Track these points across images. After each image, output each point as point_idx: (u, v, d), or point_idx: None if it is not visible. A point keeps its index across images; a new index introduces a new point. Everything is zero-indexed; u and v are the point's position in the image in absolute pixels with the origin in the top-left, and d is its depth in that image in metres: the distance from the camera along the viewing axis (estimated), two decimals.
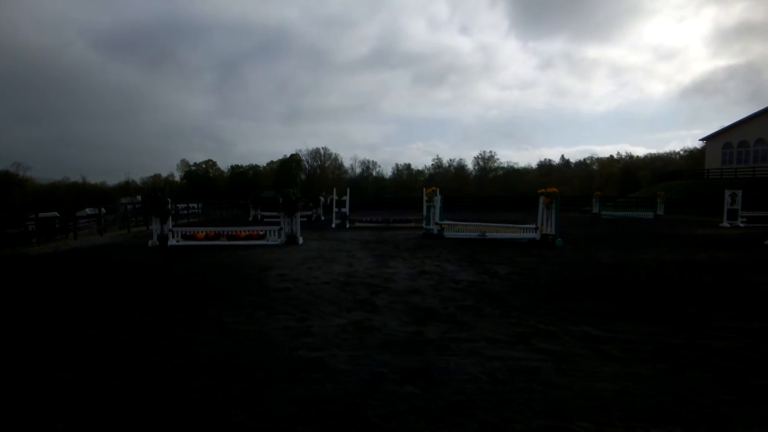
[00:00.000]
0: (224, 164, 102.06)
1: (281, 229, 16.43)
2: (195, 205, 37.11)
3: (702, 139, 64.77)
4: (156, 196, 16.61)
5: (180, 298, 8.09)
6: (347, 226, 24.11)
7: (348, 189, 26.85)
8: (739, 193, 26.23)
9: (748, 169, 54.35)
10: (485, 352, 5.15)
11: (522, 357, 5.02)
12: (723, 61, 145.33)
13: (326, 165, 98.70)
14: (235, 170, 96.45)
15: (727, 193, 26.35)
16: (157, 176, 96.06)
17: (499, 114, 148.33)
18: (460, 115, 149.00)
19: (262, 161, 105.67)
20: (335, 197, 25.59)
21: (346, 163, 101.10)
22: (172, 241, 16.19)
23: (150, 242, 16.29)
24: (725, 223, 25.27)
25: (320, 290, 8.59)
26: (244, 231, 16.79)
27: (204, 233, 16.60)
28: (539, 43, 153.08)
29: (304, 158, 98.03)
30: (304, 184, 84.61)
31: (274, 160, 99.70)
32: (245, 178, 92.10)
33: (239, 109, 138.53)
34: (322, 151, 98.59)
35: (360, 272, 10.45)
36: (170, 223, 16.75)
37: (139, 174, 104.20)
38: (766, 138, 54.92)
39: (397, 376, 4.55)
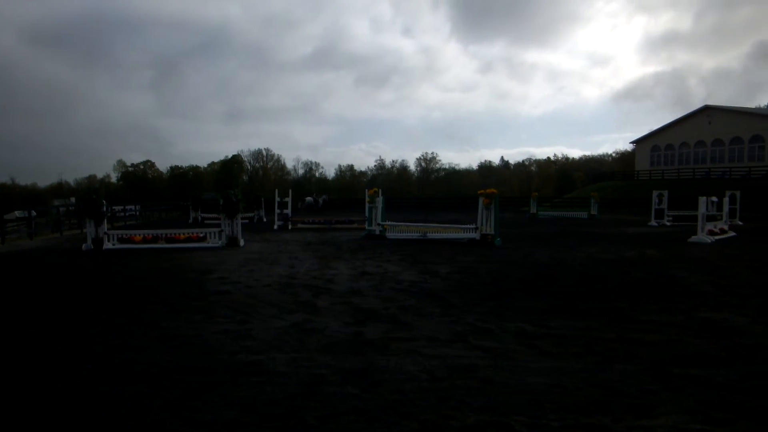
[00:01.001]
0: (163, 165, 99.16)
1: (222, 231, 16.10)
2: (132, 207, 35.85)
3: (632, 142, 67.91)
4: (90, 197, 15.97)
5: (115, 304, 7.81)
6: (289, 227, 23.89)
7: (290, 190, 26.58)
8: (666, 193, 27.60)
9: (673, 170, 57.29)
10: (424, 351, 5.22)
11: (460, 355, 5.11)
12: (651, 68, 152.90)
13: (269, 166, 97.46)
14: (175, 171, 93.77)
15: (655, 193, 27.67)
16: (92, 177, 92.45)
17: (441, 116, 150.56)
18: (402, 116, 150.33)
19: (202, 162, 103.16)
20: (277, 198, 25.31)
21: (289, 164, 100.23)
22: (107, 245, 15.59)
23: (84, 246, 15.63)
24: (653, 222, 26.53)
25: (261, 293, 8.48)
26: (184, 233, 16.36)
27: (141, 236, 16.06)
28: (480, 47, 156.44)
29: (246, 159, 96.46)
30: (246, 185, 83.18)
31: (216, 160, 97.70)
32: (185, 179, 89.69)
33: (178, 108, 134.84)
34: (264, 152, 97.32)
35: (302, 274, 10.38)
36: (105, 225, 16.13)
37: (72, 175, 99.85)
38: (689, 141, 58.04)
39: (337, 377, 4.54)
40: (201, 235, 16.21)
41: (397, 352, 5.20)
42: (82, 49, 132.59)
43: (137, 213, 35.36)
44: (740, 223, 26.01)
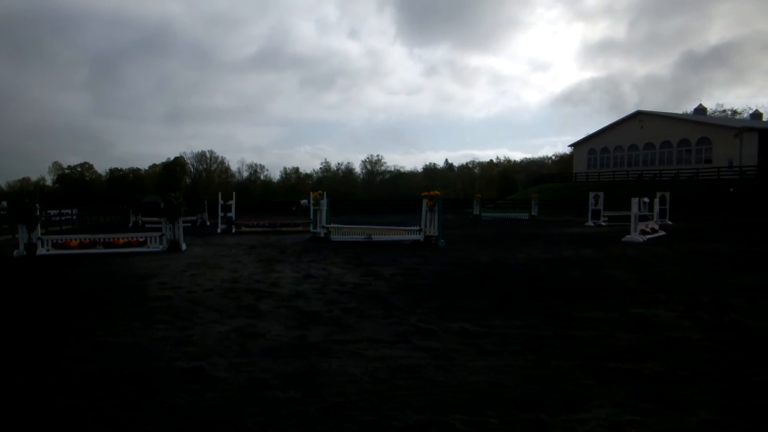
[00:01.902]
0: (102, 167, 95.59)
1: (163, 235, 15.65)
2: (69, 211, 34.30)
3: (570, 146, 70.23)
4: (22, 201, 15.17)
5: (48, 311, 7.45)
6: (233, 231, 23.48)
7: (234, 193, 26.12)
8: (601, 195, 28.69)
9: (609, 172, 59.59)
10: (367, 353, 5.23)
11: (403, 355, 5.15)
12: (588, 74, 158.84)
13: (212, 168, 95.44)
14: (114, 174, 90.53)
15: (591, 195, 28.72)
16: (25, 180, 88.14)
17: (386, 118, 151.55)
18: (348, 118, 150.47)
19: (143, 164, 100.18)
20: (221, 201, 24.83)
21: (233, 167, 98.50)
22: (41, 251, 14.87)
23: (16, 252, 14.85)
24: (590, 223, 27.53)
25: (203, 297, 8.29)
26: (123, 238, 15.80)
27: (78, 241, 15.42)
28: (425, 50, 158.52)
29: (189, 161, 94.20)
30: (189, 188, 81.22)
31: (157, 163, 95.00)
32: (126, 182, 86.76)
33: (118, 108, 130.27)
34: (208, 154, 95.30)
35: (245, 278, 10.21)
36: (39, 230, 15.38)
37: (4, 178, 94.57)
38: (623, 145, 60.50)
39: (279, 381, 4.49)
40: (141, 239, 15.71)
41: (340, 355, 5.19)
42: (13, 45, 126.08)
43: (74, 217, 33.89)
44: (670, 222, 27.34)
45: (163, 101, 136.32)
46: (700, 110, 63.84)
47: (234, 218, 24.37)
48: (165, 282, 9.82)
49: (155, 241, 15.63)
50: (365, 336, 5.88)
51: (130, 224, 29.09)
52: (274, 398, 4.12)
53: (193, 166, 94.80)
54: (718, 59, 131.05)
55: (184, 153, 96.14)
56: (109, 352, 5.42)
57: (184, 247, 15.81)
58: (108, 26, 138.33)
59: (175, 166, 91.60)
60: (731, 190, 42.20)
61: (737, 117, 74.91)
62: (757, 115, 67.35)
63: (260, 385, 4.41)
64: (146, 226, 27.29)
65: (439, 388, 4.29)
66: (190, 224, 27.18)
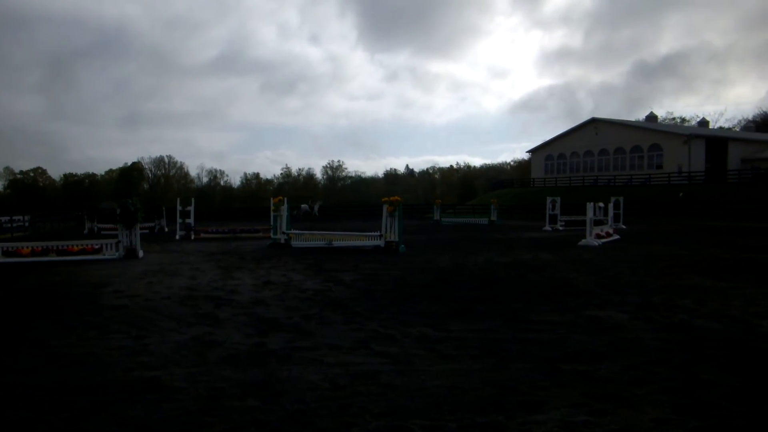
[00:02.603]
0: (56, 172, 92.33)
1: (119, 242, 15.23)
2: (21, 218, 33.00)
3: (528, 151, 71.58)
4: None
5: None
6: (192, 237, 23.06)
7: (193, 199, 25.66)
8: (558, 200, 29.29)
9: (565, 178, 60.95)
10: (327, 359, 5.20)
11: (362, 361, 5.14)
12: (546, 81, 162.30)
13: (171, 174, 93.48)
14: (69, 179, 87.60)
15: (549, 200, 29.29)
16: None
17: (347, 124, 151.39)
18: (309, 124, 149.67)
19: (99, 170, 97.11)
20: (179, 207, 24.37)
21: (192, 172, 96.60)
22: None
23: None
24: (547, 227, 28.06)
25: (160, 306, 8.09)
26: (78, 245, 15.29)
27: (30, 248, 14.85)
28: (386, 56, 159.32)
29: (147, 167, 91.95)
30: (146, 194, 79.42)
31: (114, 168, 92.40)
32: (81, 187, 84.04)
33: (72, 111, 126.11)
34: (166, 160, 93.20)
35: (203, 285, 10.03)
36: None
37: None
38: (579, 151, 62.01)
39: (238, 390, 4.42)
40: (96, 246, 15.25)
41: (300, 362, 5.14)
42: None
43: (26, 224, 32.63)
44: (623, 226, 28.12)
45: (120, 105, 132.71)
46: (651, 118, 66.06)
47: (193, 224, 23.92)
48: (121, 290, 9.56)
49: (111, 249, 15.20)
50: (325, 342, 5.85)
51: (86, 231, 28.21)
52: (233, 407, 4.06)
53: (151, 171, 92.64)
54: (668, 69, 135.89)
55: (142, 158, 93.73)
56: (62, 363, 5.25)
57: (141, 254, 15.43)
58: (62, 27, 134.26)
59: (133, 171, 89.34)
60: (681, 194, 43.75)
61: (686, 124, 77.83)
62: (704, 122, 70.14)
63: (218, 394, 4.34)
64: (102, 233, 26.55)
65: (399, 393, 4.30)
66: (147, 231, 26.57)
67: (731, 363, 5.04)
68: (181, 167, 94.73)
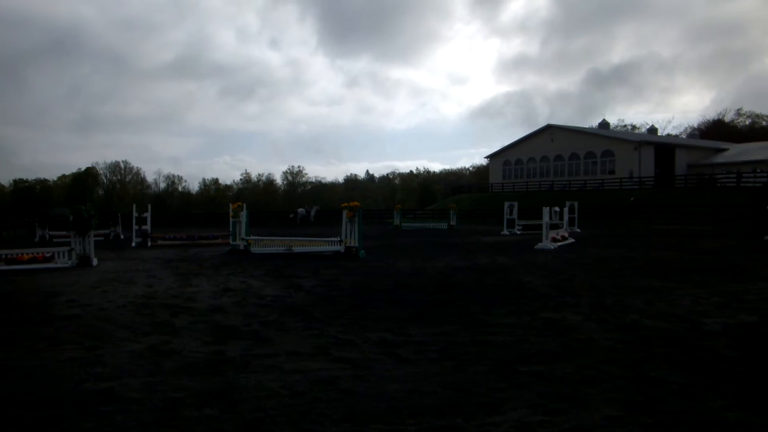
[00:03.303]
0: (5, 178, 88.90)
1: (72, 249, 14.74)
2: None
3: (486, 157, 72.68)
4: None
5: None
6: (149, 244, 22.54)
7: (150, 205, 25.10)
8: (516, 204, 29.87)
9: (522, 183, 62.13)
10: (286, 366, 5.17)
11: (322, 367, 5.13)
12: (504, 88, 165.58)
13: (127, 179, 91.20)
14: (19, 185, 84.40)
15: (507, 204, 29.84)
16: None
17: (307, 129, 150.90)
18: (269, 129, 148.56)
19: (52, 175, 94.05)
20: (135, 214, 23.81)
21: (149, 178, 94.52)
22: None
23: None
24: (505, 231, 28.56)
25: (114, 315, 7.87)
26: (28, 253, 14.71)
27: None
28: (346, 61, 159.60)
29: (101, 172, 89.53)
30: (101, 200, 77.27)
31: (67, 173, 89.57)
32: (32, 193, 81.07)
33: (22, 114, 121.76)
34: (122, 165, 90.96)
35: (160, 293, 9.81)
36: None
37: None
38: (535, 157, 63.31)
39: (195, 399, 4.34)
40: (48, 254, 14.72)
41: (258, 369, 5.09)
42: None
43: None
44: (578, 230, 28.86)
45: (72, 108, 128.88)
46: (604, 125, 68.05)
47: (149, 231, 23.39)
48: (74, 299, 9.26)
49: (63, 257, 14.71)
50: (284, 349, 5.81)
51: (37, 239, 27.20)
52: (189, 417, 3.99)
53: (106, 176, 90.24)
54: (620, 77, 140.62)
55: (97, 163, 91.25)
56: (11, 377, 5.05)
57: (95, 262, 14.98)
58: (10, 27, 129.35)
59: (87, 176, 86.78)
60: (632, 199, 45.18)
61: (636, 131, 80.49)
62: (653, 130, 72.73)
63: (174, 404, 4.26)
64: (54, 240, 25.65)
65: (358, 398, 4.31)
66: (102, 238, 25.85)
67: (678, 360, 5.24)
68: (138, 173, 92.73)
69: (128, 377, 4.95)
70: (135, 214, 23.92)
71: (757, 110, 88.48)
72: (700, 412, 3.94)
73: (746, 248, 18.08)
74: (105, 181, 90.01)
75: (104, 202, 74.61)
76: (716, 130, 79.90)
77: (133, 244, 22.60)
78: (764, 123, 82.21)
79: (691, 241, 21.89)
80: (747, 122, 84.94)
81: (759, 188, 41.11)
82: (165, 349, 5.90)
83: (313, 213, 45.90)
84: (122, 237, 27.93)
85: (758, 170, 47.01)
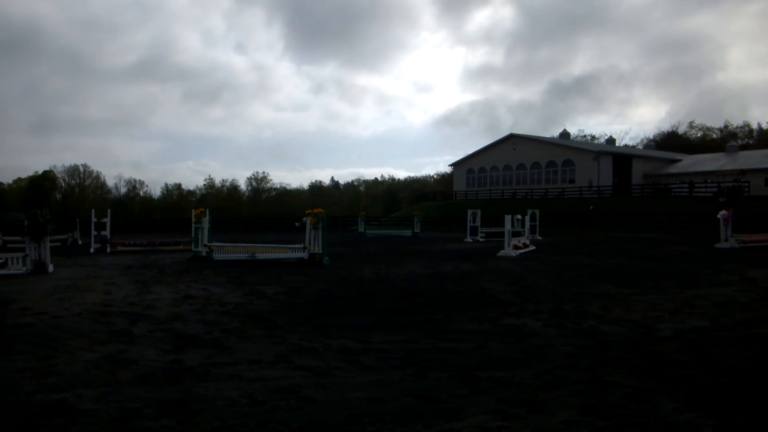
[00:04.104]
0: None
1: (26, 255, 14.26)
2: None
3: (450, 165, 73.38)
4: None
5: None
6: (108, 250, 21.98)
7: (109, 210, 24.48)
8: (479, 212, 30.22)
9: (486, 191, 62.91)
10: (246, 375, 5.11)
11: (283, 376, 5.09)
12: (468, 97, 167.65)
13: (86, 184, 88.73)
14: None
15: (470, 212, 30.16)
16: None
17: (272, 135, 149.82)
18: (233, 134, 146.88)
19: (6, 178, 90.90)
20: (94, 219, 23.20)
21: (110, 182, 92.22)
22: None
23: None
24: (468, 239, 28.85)
25: (70, 323, 7.64)
26: None
27: None
28: (312, 67, 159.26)
29: (59, 176, 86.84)
30: (59, 204, 75.04)
31: (23, 177, 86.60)
32: None
33: None
34: (81, 168, 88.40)
35: (118, 300, 9.57)
36: None
37: None
38: (498, 165, 64.25)
39: (152, 409, 4.25)
40: (0, 260, 14.22)
41: (218, 378, 5.02)
42: None
43: None
44: (539, 237, 29.38)
45: (29, 110, 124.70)
46: (565, 134, 69.58)
47: (109, 237, 22.81)
48: (27, 307, 8.95)
49: (17, 263, 14.22)
50: (245, 357, 5.75)
51: None
52: (146, 428, 3.91)
53: (64, 180, 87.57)
54: (580, 89, 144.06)
55: (54, 167, 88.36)
56: None
57: (51, 268, 14.52)
58: None
59: (44, 180, 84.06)
60: (591, 207, 46.26)
61: (595, 142, 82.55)
62: (611, 140, 74.75)
63: (131, 415, 4.16)
64: (8, 246, 24.76)
65: (319, 406, 4.29)
66: (59, 243, 25.10)
67: (633, 365, 5.39)
68: (98, 177, 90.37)
69: (83, 388, 4.81)
70: (94, 220, 23.31)
71: (708, 123, 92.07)
72: (653, 414, 4.06)
73: (698, 255, 18.73)
74: (63, 185, 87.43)
75: (62, 207, 72.55)
76: (670, 142, 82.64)
77: (92, 250, 22.03)
78: (714, 135, 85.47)
79: (647, 248, 22.55)
80: (699, 134, 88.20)
81: (710, 198, 42.66)
82: (122, 359, 5.77)
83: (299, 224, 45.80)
84: (80, 243, 27.17)
85: (709, 180, 48.79)
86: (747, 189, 44.24)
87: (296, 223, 41.70)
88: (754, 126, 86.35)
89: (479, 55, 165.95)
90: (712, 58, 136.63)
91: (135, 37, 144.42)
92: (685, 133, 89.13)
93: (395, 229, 41.10)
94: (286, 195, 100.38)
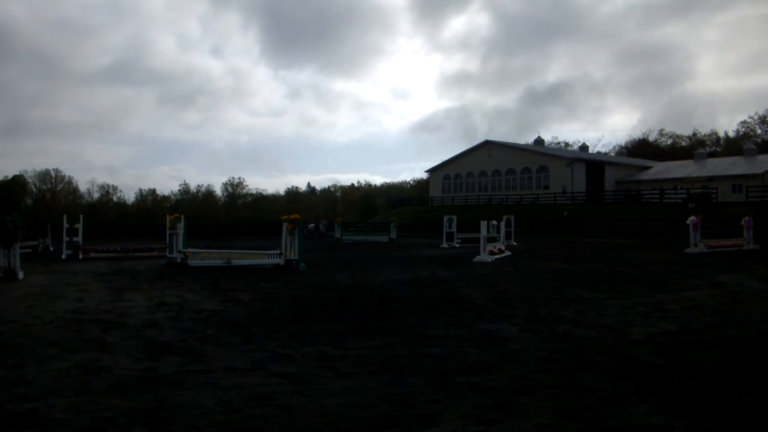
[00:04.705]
0: None
1: None
2: None
3: (427, 171, 73.77)
4: None
5: None
6: (80, 257, 21.57)
7: (82, 216, 24.03)
8: (455, 218, 30.39)
9: (462, 197, 63.35)
10: (222, 382, 5.06)
11: (259, 383, 5.05)
12: (444, 103, 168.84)
13: (58, 189, 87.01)
14: None
15: (446, 218, 30.32)
16: None
17: (249, 140, 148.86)
18: (209, 139, 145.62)
19: None
20: (66, 225, 22.76)
21: (82, 187, 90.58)
22: None
23: None
24: (444, 245, 28.98)
25: (41, 331, 7.47)
26: None
27: None
28: (289, 72, 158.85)
29: (30, 180, 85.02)
30: (30, 210, 73.43)
31: None
32: None
33: None
34: (53, 173, 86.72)
35: (91, 308, 9.40)
36: None
37: None
38: (474, 171, 64.78)
39: (125, 419, 4.19)
40: None
41: (193, 386, 4.96)
42: None
43: None
44: (515, 243, 29.67)
45: None
46: (539, 141, 70.47)
47: (81, 243, 22.39)
48: None
49: None
50: (221, 365, 5.69)
51: None
52: None
53: (35, 185, 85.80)
54: (554, 96, 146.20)
55: (25, 171, 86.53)
56: None
57: (21, 275, 14.17)
58: None
59: (14, 185, 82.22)
60: (565, 213, 46.91)
61: (569, 148, 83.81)
62: (584, 147, 75.98)
63: (103, 424, 4.09)
64: None
65: (295, 413, 4.27)
66: (30, 250, 24.55)
67: (606, 368, 5.47)
68: (70, 182, 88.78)
69: (54, 397, 4.72)
70: (66, 225, 22.86)
71: (678, 131, 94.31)
72: (625, 417, 4.13)
73: (668, 260, 19.10)
74: (34, 190, 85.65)
75: (33, 213, 71.10)
76: (641, 149, 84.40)
77: (64, 257, 21.59)
78: (684, 143, 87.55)
79: (619, 253, 22.93)
80: (669, 142, 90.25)
81: (680, 204, 43.60)
82: (94, 367, 5.66)
83: (322, 227, 45.58)
84: (52, 249, 26.62)
85: (678, 187, 49.90)
86: (715, 195, 45.33)
87: (305, 231, 41.54)
88: (721, 134, 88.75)
89: (455, 62, 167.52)
90: (682, 68, 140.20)
91: (109, 39, 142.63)
92: (656, 141, 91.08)
93: (372, 235, 41.10)
94: (262, 201, 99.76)
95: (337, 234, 38.44)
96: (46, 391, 4.88)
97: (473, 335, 7.10)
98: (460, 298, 10.42)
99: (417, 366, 5.62)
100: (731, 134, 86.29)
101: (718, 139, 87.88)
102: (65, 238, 22.64)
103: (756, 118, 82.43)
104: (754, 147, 59.91)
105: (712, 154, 69.63)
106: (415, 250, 26.18)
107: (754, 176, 48.44)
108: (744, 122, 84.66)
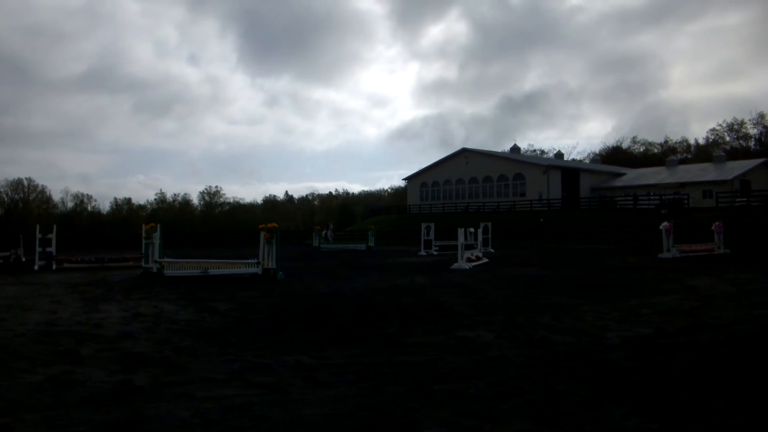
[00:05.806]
0: None
1: None
2: None
3: (404, 179, 73.96)
4: None
5: None
6: (54, 267, 21.13)
7: (55, 226, 23.55)
8: (432, 225, 30.52)
9: (439, 204, 63.66)
10: (199, 394, 5.00)
11: (237, 393, 5.00)
12: (422, 111, 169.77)
13: (30, 198, 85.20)
14: None
15: (424, 225, 30.42)
16: None
17: (226, 148, 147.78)
18: (185, 147, 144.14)
19: None
20: (39, 235, 22.27)
21: (56, 197, 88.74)
22: None
23: None
24: (422, 252, 29.07)
25: (12, 344, 7.29)
26: None
27: None
28: (267, 80, 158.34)
29: (1, 190, 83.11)
30: (2, 220, 71.78)
31: None
32: None
33: None
34: (25, 182, 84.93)
35: (64, 320, 9.20)
36: None
37: None
38: (451, 179, 65.16)
39: None
40: None
41: (169, 398, 4.89)
42: None
43: None
44: (492, 250, 29.88)
45: None
46: (515, 149, 71.23)
47: (54, 253, 21.93)
48: None
49: None
50: (197, 376, 5.62)
51: None
52: None
53: (7, 195, 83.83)
54: (531, 104, 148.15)
55: None
56: None
57: None
58: None
59: None
60: (541, 220, 47.42)
61: (545, 156, 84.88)
62: (559, 155, 77.04)
63: None
64: None
65: (274, 424, 4.23)
66: (1, 261, 23.96)
67: (582, 373, 5.53)
68: (43, 191, 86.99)
69: (25, 411, 4.61)
70: (39, 236, 22.37)
71: (651, 138, 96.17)
72: (602, 421, 4.19)
73: (642, 265, 19.42)
74: (6, 199, 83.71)
75: (4, 223, 69.50)
76: (615, 156, 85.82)
77: (36, 268, 21.12)
78: (656, 150, 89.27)
79: (594, 259, 23.24)
80: (641, 149, 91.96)
81: (653, 210, 44.39)
82: (68, 380, 5.55)
83: (329, 233, 45.28)
84: (24, 260, 25.99)
85: (651, 193, 50.82)
86: (687, 201, 46.26)
87: (323, 232, 41.01)
88: (692, 141, 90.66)
89: (433, 70, 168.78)
90: (655, 76, 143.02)
91: (83, 45, 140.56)
92: (629, 148, 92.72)
93: (350, 243, 41.01)
94: (239, 209, 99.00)
95: (316, 242, 38.31)
96: (18, 406, 4.76)
97: (451, 342, 7.12)
98: (439, 305, 10.45)
99: (396, 374, 5.62)
100: (701, 141, 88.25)
101: (689, 146, 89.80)
102: (38, 249, 22.16)
103: (725, 125, 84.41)
104: (723, 154, 61.31)
105: (684, 161, 71.09)
106: (393, 258, 26.21)
107: (724, 182, 49.63)
108: (713, 130, 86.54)
